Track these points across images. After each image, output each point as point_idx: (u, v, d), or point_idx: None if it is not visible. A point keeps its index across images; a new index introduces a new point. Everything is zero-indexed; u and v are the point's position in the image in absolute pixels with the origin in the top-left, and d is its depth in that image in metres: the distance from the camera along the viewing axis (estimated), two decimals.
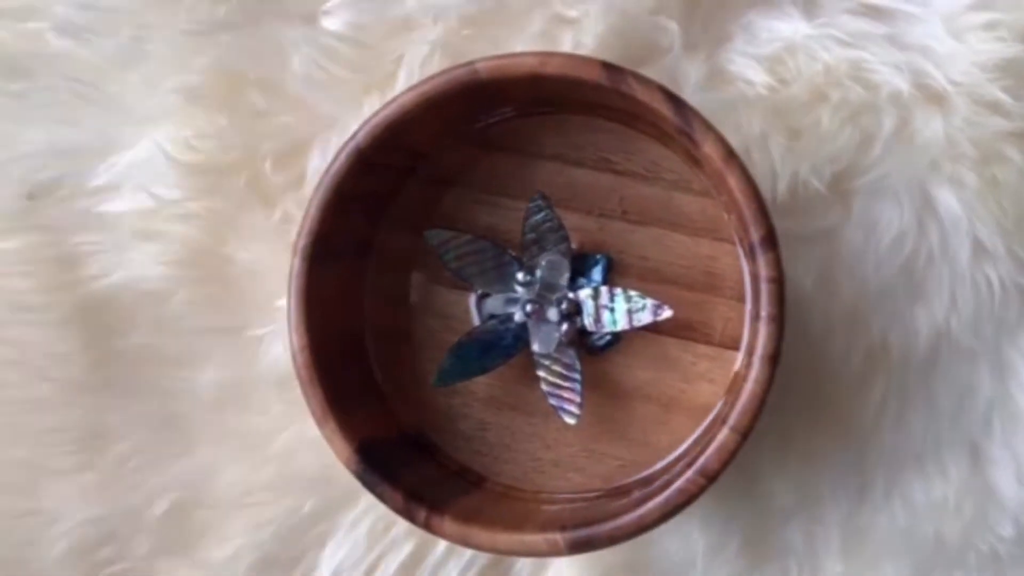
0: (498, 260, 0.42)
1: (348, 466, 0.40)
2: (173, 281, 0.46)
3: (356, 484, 0.40)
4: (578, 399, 0.41)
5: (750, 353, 0.38)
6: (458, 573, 0.46)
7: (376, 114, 0.40)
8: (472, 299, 0.43)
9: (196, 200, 0.46)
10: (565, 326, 0.42)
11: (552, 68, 0.38)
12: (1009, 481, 0.45)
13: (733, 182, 0.37)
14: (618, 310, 0.41)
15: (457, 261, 0.42)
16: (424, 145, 0.43)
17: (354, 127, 0.40)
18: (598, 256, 0.42)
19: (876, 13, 0.45)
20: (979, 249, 0.44)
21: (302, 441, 0.46)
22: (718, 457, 0.37)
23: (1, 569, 0.47)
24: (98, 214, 0.47)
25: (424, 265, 0.44)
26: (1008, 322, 0.45)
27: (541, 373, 0.42)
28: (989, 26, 0.44)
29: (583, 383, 0.42)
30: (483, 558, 0.46)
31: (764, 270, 0.37)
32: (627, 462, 0.42)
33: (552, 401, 0.42)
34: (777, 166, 0.44)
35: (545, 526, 0.39)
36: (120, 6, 0.46)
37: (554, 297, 0.42)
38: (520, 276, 0.42)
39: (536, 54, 0.38)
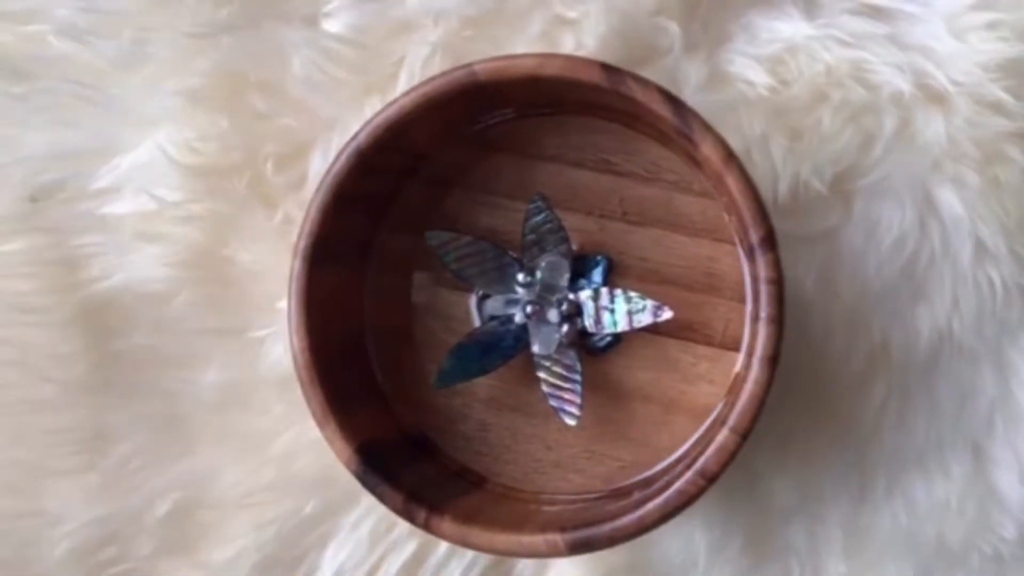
0: (498, 261, 0.42)
1: (348, 467, 0.40)
2: (175, 282, 0.46)
3: (358, 485, 0.40)
4: (578, 400, 0.41)
5: (750, 354, 0.38)
6: (460, 574, 0.46)
7: (376, 115, 0.40)
8: (473, 300, 0.43)
9: (198, 202, 0.46)
10: (565, 327, 0.42)
11: (551, 70, 0.38)
12: (1012, 482, 0.45)
13: (732, 183, 0.37)
14: (618, 311, 0.41)
15: (457, 262, 0.42)
16: (424, 146, 0.43)
17: (355, 129, 0.40)
18: (598, 257, 0.42)
19: (877, 13, 0.45)
20: (981, 249, 0.44)
21: (303, 442, 0.46)
22: (717, 458, 0.37)
23: (3, 570, 0.47)
24: (100, 216, 0.47)
25: (425, 266, 0.44)
26: (1010, 322, 0.45)
27: (541, 374, 0.42)
28: (991, 26, 0.43)
29: (583, 384, 0.42)
30: (485, 559, 0.46)
31: (763, 271, 0.37)
32: (628, 463, 0.42)
33: (552, 402, 0.42)
34: (778, 167, 0.44)
35: (545, 527, 0.39)
36: (121, 8, 0.46)
37: (554, 298, 0.42)
38: (520, 277, 0.42)
39: (535, 56, 0.38)
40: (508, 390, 0.43)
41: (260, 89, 0.46)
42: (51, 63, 0.46)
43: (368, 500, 0.46)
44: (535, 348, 0.42)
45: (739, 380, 0.40)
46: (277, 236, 0.46)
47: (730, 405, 0.38)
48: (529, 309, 0.42)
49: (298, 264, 0.40)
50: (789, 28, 0.44)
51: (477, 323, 0.43)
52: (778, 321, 0.37)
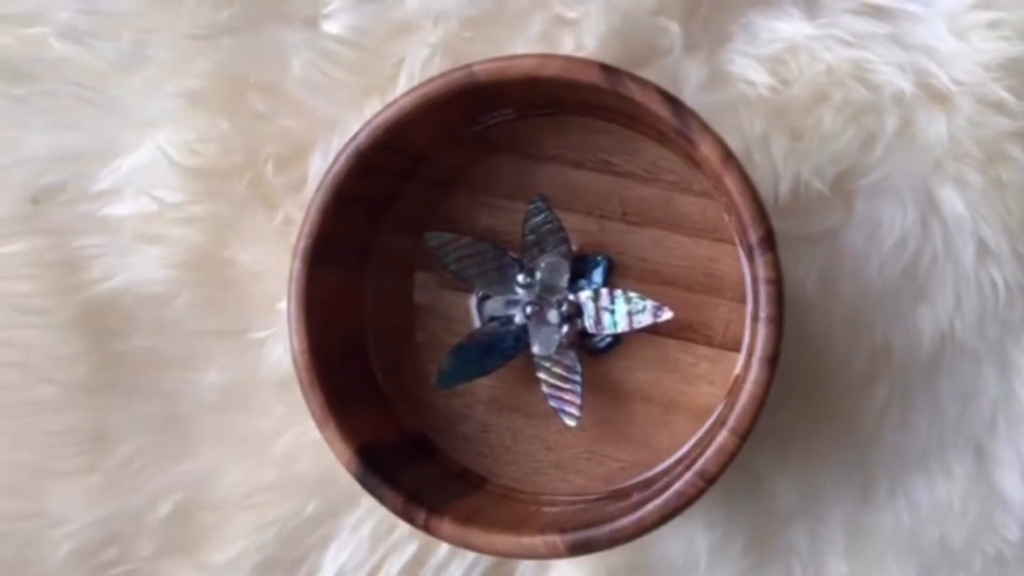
0: (498, 262, 0.42)
1: (348, 468, 0.40)
2: (175, 284, 0.46)
3: (359, 486, 0.40)
4: (578, 401, 0.41)
5: (750, 355, 0.38)
6: (461, 574, 0.46)
7: (376, 116, 0.40)
8: (473, 301, 0.43)
9: (198, 203, 0.46)
10: (565, 328, 0.42)
11: (550, 70, 0.38)
12: (1015, 482, 0.45)
13: (731, 183, 0.37)
14: (618, 312, 0.41)
15: (457, 263, 0.42)
16: (424, 147, 0.43)
17: (355, 130, 0.40)
18: (598, 258, 0.42)
19: (878, 13, 0.45)
20: (983, 249, 0.44)
21: (304, 443, 0.46)
22: (717, 459, 0.37)
23: (5, 571, 0.47)
24: (101, 218, 0.47)
25: (425, 267, 0.44)
26: (1013, 323, 0.45)
27: (542, 375, 0.42)
28: (992, 25, 0.43)
29: (583, 385, 0.42)
30: (486, 560, 0.46)
31: (763, 271, 0.37)
32: (628, 464, 0.42)
33: (553, 403, 0.42)
34: (779, 167, 0.44)
35: (545, 528, 0.39)
36: (122, 10, 0.46)
37: (554, 299, 0.42)
38: (520, 278, 0.42)
39: (534, 56, 0.38)
40: (508, 391, 0.43)
41: (260, 90, 0.46)
42: (52, 65, 0.46)
43: (369, 501, 0.45)
44: (535, 349, 0.42)
45: (739, 381, 0.40)
46: (277, 237, 0.46)
47: (730, 406, 0.38)
48: (529, 310, 0.42)
49: (298, 265, 0.40)
50: (790, 28, 0.44)
51: (477, 324, 0.43)
52: (778, 321, 0.37)
